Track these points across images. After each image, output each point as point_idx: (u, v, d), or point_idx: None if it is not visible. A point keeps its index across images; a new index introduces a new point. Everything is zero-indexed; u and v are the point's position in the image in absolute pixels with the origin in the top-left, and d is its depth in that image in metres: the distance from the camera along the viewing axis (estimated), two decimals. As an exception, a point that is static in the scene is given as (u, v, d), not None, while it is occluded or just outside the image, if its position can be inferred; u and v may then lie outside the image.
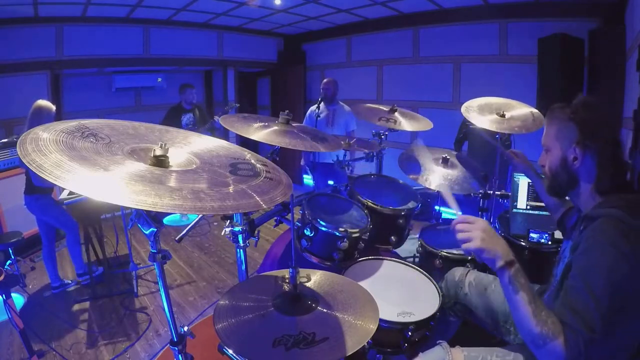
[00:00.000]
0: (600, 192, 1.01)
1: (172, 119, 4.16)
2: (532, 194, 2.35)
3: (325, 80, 3.80)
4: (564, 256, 1.11)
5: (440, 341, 1.21)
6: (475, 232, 0.96)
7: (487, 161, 2.58)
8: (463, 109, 2.09)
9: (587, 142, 1.00)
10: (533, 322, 0.87)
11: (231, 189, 0.84)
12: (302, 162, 4.16)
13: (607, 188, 1.00)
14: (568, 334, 0.83)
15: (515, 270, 0.93)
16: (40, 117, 2.60)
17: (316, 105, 3.58)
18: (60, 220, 2.88)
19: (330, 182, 3.28)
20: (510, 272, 0.92)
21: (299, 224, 1.76)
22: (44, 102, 2.68)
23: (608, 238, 0.88)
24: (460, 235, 0.98)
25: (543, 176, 1.38)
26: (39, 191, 2.71)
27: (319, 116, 3.60)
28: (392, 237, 1.95)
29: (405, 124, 2.19)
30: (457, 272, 1.60)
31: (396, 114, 2.26)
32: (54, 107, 2.71)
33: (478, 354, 1.14)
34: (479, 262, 1.03)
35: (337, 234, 1.63)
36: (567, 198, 1.30)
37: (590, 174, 1.02)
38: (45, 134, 0.76)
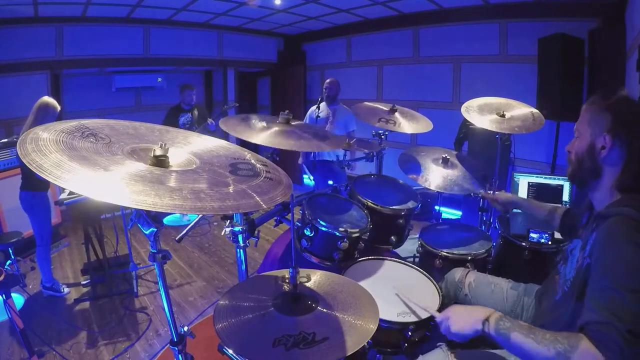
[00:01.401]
0: (620, 189, 0.99)
1: (171, 119, 4.19)
2: (532, 194, 2.35)
3: (328, 80, 3.81)
4: (574, 254, 1.09)
5: (440, 344, 1.21)
6: (446, 323, 1.07)
7: (487, 161, 2.58)
8: (463, 109, 2.09)
9: (619, 133, 0.98)
10: (543, 349, 0.83)
11: (231, 189, 0.84)
12: (300, 161, 4.15)
13: (627, 185, 0.98)
14: (597, 334, 0.79)
15: (495, 321, 0.96)
16: (47, 114, 2.60)
17: (316, 105, 3.58)
18: (40, 228, 2.79)
19: (330, 182, 3.29)
20: (492, 325, 0.95)
21: (299, 224, 1.76)
22: (50, 100, 2.68)
23: (623, 235, 0.86)
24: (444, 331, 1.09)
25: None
26: (37, 188, 2.70)
27: (319, 116, 3.61)
28: (392, 237, 1.95)
29: (405, 125, 2.19)
30: (457, 272, 1.60)
31: (396, 114, 2.26)
32: (59, 107, 2.71)
33: (478, 357, 1.14)
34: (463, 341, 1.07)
35: (337, 234, 1.63)
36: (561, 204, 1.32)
37: (614, 167, 1.00)
38: (45, 134, 0.76)
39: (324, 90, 3.79)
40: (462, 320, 1.03)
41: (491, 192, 1.90)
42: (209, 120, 4.24)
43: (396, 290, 1.49)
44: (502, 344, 0.94)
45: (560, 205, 1.50)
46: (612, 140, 0.99)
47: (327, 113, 3.77)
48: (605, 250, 0.89)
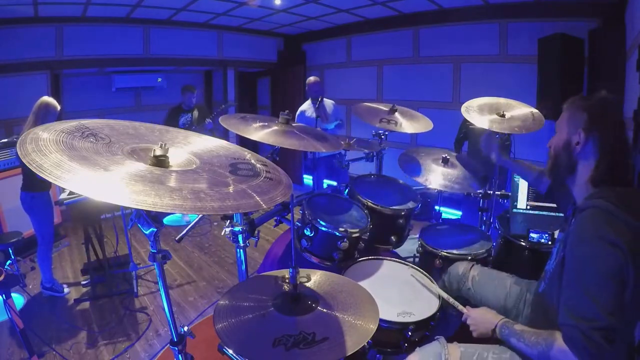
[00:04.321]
0: (594, 183, 1.04)
1: (171, 119, 4.22)
2: (532, 194, 2.35)
3: (312, 80, 3.81)
4: (556, 247, 1.15)
5: (438, 337, 1.21)
6: (472, 327, 1.24)
7: (487, 161, 2.57)
8: (463, 109, 2.09)
9: (592, 130, 1.04)
10: (532, 351, 0.99)
11: (231, 189, 0.84)
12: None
13: (602, 179, 1.02)
14: (567, 334, 0.89)
15: (498, 329, 1.14)
16: (47, 113, 2.60)
17: (307, 105, 3.62)
18: (41, 228, 2.79)
19: (333, 183, 3.29)
20: (497, 333, 1.13)
21: (299, 224, 1.76)
22: (51, 99, 2.68)
23: (595, 231, 0.91)
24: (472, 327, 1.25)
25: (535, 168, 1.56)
26: (38, 189, 2.70)
27: (311, 115, 3.66)
28: (392, 237, 1.95)
29: (406, 124, 2.19)
30: (461, 266, 1.60)
31: (396, 114, 2.26)
32: (59, 107, 2.71)
33: (475, 350, 1.14)
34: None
35: (337, 234, 1.63)
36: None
37: (587, 162, 1.05)
38: (45, 134, 0.76)
39: (310, 91, 3.82)
40: (480, 327, 1.21)
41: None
42: (207, 120, 4.27)
43: (412, 272, 1.61)
44: (509, 341, 1.10)
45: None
46: (586, 136, 1.05)
47: (313, 111, 3.78)
48: (575, 247, 0.95)
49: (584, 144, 1.05)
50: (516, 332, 1.06)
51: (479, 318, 1.23)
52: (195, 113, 4.34)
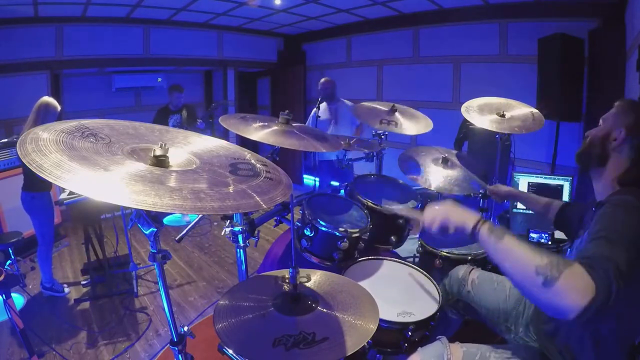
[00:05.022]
0: (621, 182, 1.04)
1: (160, 120, 4.11)
2: (533, 192, 2.34)
3: (322, 80, 3.80)
4: (572, 252, 1.13)
5: (440, 337, 1.21)
6: (435, 213, 1.06)
7: (487, 161, 2.57)
8: (463, 109, 2.09)
9: (634, 130, 1.04)
10: (535, 256, 0.80)
11: (231, 189, 0.83)
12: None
13: (629, 181, 1.03)
14: (589, 263, 0.76)
15: (488, 224, 0.96)
16: (47, 113, 2.61)
17: (317, 106, 3.60)
18: (42, 228, 2.79)
19: (335, 183, 3.29)
20: (485, 226, 0.95)
21: (299, 224, 1.76)
22: (51, 99, 2.68)
23: (620, 207, 0.90)
24: (428, 223, 1.08)
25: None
26: (38, 189, 2.70)
27: (319, 116, 3.62)
28: (392, 237, 1.95)
29: (406, 125, 2.18)
30: (461, 269, 1.61)
31: (396, 114, 2.25)
32: (59, 107, 2.71)
33: (477, 351, 1.14)
34: (447, 236, 1.06)
35: (337, 234, 1.63)
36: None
37: (619, 160, 1.06)
38: (45, 134, 0.76)
39: (320, 91, 3.79)
40: (455, 214, 1.03)
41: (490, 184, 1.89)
42: (199, 121, 4.21)
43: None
44: (486, 246, 0.94)
45: (557, 199, 1.51)
46: (626, 135, 1.04)
47: (328, 113, 3.77)
48: (602, 216, 0.90)
49: (622, 141, 1.05)
50: (515, 236, 0.90)
51: (457, 208, 1.05)
52: (184, 113, 4.26)
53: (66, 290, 3.00)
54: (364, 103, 2.41)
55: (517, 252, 0.84)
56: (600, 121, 1.16)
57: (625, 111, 1.09)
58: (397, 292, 1.53)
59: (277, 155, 1.66)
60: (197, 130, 4.15)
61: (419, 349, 1.21)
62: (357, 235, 1.68)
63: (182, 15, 5.00)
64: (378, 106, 2.35)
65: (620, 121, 1.08)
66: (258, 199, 0.83)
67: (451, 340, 1.20)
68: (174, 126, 4.16)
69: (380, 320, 1.21)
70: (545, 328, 1.13)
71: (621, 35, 2.97)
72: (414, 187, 2.21)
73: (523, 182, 2.28)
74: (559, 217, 1.43)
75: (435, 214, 1.07)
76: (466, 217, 1.00)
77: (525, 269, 0.80)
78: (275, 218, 1.82)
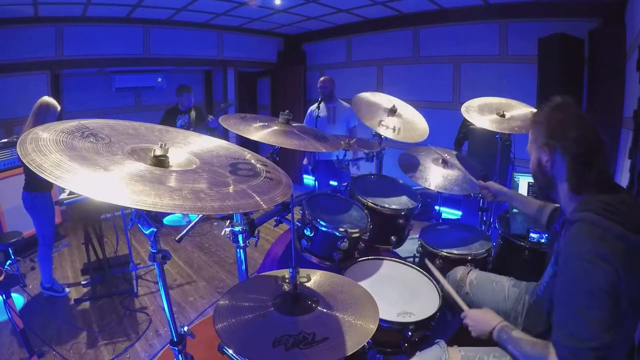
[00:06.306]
0: (576, 192, 1.01)
1: (168, 121, 4.11)
2: (532, 195, 2.35)
3: (321, 78, 3.80)
4: (552, 259, 1.13)
5: (438, 340, 1.21)
6: (470, 327, 1.22)
7: (487, 161, 2.58)
8: (463, 109, 2.09)
9: (552, 142, 1.02)
10: (527, 353, 0.98)
11: (231, 189, 0.84)
12: (304, 162, 4.15)
13: (580, 188, 1.00)
14: (560, 353, 0.88)
15: (497, 333, 1.11)
16: (47, 113, 2.60)
17: (316, 104, 3.59)
18: (42, 228, 2.79)
19: (334, 183, 3.28)
20: (495, 336, 1.12)
21: (299, 224, 1.76)
22: (51, 99, 2.68)
23: (582, 247, 0.89)
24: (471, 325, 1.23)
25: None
26: (39, 189, 2.70)
27: (319, 115, 3.62)
28: (392, 237, 1.95)
29: (403, 132, 2.15)
30: (459, 271, 1.60)
31: (394, 117, 2.23)
32: (59, 107, 2.71)
33: (475, 354, 1.14)
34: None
35: (337, 234, 1.63)
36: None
37: (562, 176, 1.03)
38: (45, 134, 0.76)
39: (319, 90, 3.79)
40: (478, 327, 1.19)
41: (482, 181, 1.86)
42: (209, 117, 4.19)
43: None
44: (504, 344, 1.09)
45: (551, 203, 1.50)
46: (550, 152, 1.03)
47: (327, 111, 3.77)
48: (565, 265, 0.93)
49: (552, 159, 1.04)
50: (513, 339, 1.05)
51: (478, 318, 1.21)
52: (193, 114, 4.25)
53: (66, 290, 2.99)
54: (363, 94, 2.35)
55: (519, 357, 1.03)
56: (528, 151, 1.16)
57: (537, 129, 1.08)
58: (397, 292, 1.53)
59: (277, 155, 1.66)
60: (208, 128, 4.13)
61: (418, 353, 1.21)
62: (357, 235, 1.68)
63: (182, 15, 5.00)
64: (378, 101, 2.32)
65: (537, 143, 1.07)
66: (258, 199, 0.83)
67: (450, 342, 1.20)
68: (181, 126, 4.14)
69: (380, 320, 1.22)
70: (543, 330, 1.13)
71: (621, 35, 2.97)
72: (414, 187, 2.21)
73: (523, 182, 2.28)
74: (550, 220, 1.41)
75: (474, 325, 1.22)
76: (484, 330, 1.17)
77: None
78: (275, 218, 1.82)
